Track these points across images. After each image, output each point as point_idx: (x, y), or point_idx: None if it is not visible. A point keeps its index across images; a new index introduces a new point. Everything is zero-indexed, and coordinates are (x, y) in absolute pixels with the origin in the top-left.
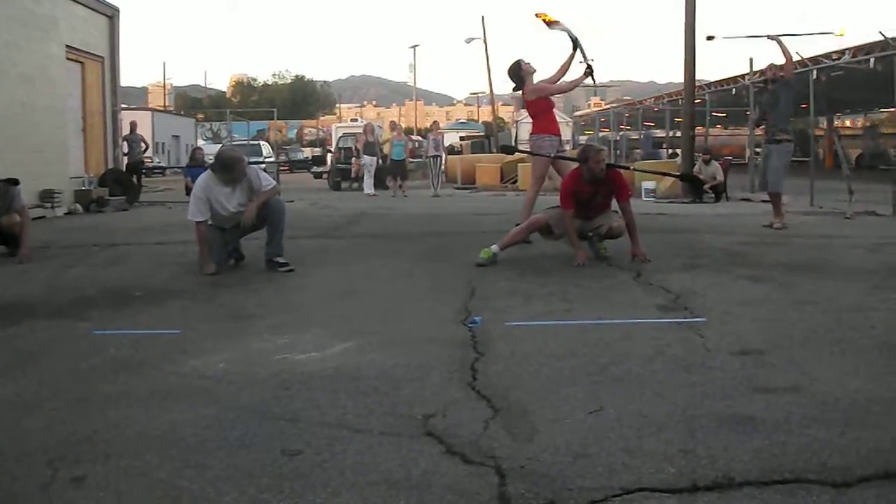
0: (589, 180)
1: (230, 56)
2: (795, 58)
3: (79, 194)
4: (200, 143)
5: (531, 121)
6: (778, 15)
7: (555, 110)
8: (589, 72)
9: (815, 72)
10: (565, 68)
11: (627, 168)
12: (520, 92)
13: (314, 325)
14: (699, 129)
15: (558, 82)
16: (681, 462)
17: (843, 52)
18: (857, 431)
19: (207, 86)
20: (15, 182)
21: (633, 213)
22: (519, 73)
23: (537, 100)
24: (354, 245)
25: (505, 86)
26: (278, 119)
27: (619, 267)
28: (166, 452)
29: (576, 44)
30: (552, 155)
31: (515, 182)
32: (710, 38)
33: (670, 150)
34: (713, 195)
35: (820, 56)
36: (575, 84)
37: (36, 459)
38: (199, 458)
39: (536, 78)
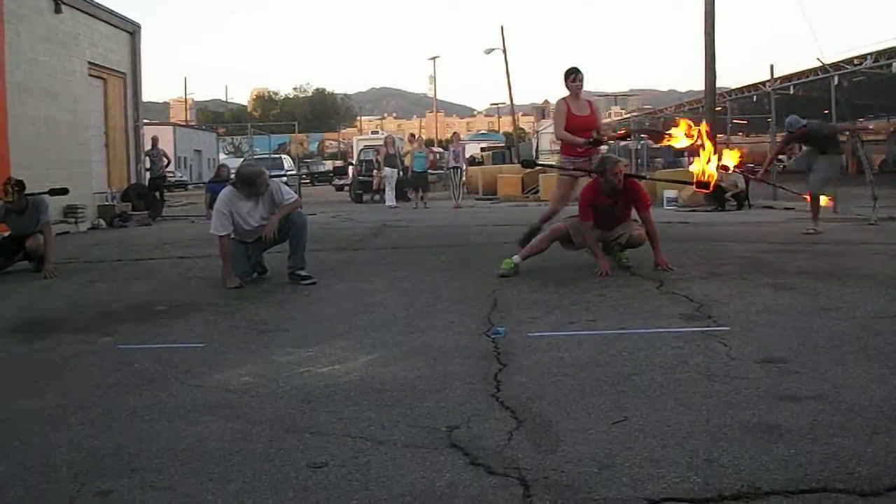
0: (608, 191)
1: (251, 70)
2: (816, 64)
3: (102, 209)
4: (222, 157)
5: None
6: (793, 20)
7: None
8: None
9: (836, 77)
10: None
11: (644, 178)
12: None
13: (337, 338)
14: (720, 137)
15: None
16: (706, 472)
17: (864, 56)
18: (884, 439)
19: (228, 100)
20: (64, 191)
21: (654, 223)
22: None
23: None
24: (377, 257)
25: (525, 96)
26: (299, 132)
27: (641, 276)
28: (191, 466)
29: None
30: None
31: (537, 192)
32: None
33: (691, 159)
34: (735, 203)
35: (841, 62)
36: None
37: (62, 474)
38: (223, 472)
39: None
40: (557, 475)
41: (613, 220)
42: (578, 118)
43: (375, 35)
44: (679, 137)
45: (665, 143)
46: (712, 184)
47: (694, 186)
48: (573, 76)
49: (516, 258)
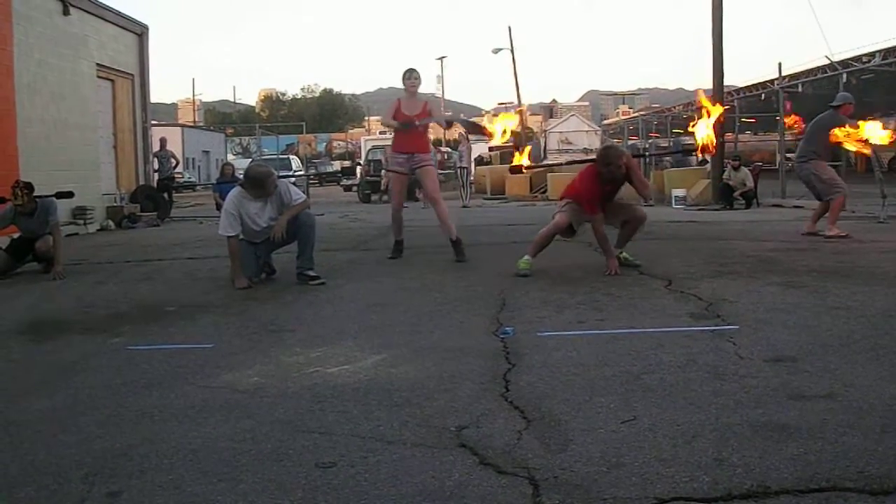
0: (609, 179)
1: (259, 71)
2: (824, 61)
3: (111, 211)
4: (230, 157)
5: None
6: (801, 16)
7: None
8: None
9: (845, 75)
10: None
11: (645, 156)
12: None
13: (346, 338)
14: (728, 136)
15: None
16: (715, 471)
17: (873, 54)
18: (894, 438)
19: (236, 101)
20: (69, 195)
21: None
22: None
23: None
24: (385, 257)
25: (533, 95)
26: (307, 133)
27: (650, 275)
28: (200, 466)
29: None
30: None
31: (545, 192)
32: None
33: (700, 157)
34: (744, 202)
35: (850, 59)
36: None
37: (72, 475)
38: (232, 472)
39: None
40: (567, 475)
41: (615, 205)
42: (406, 117)
43: (383, 35)
44: (496, 131)
45: (489, 137)
46: (712, 147)
47: (698, 152)
48: (408, 75)
49: (527, 257)
